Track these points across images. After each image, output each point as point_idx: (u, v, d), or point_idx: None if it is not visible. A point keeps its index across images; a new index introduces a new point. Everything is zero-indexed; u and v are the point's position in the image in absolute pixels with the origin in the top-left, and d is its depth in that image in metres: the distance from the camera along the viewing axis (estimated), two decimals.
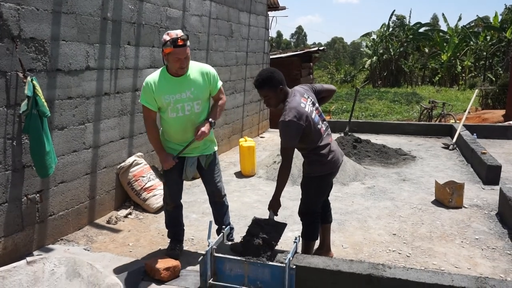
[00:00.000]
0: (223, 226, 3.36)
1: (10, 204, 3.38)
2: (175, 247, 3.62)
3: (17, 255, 3.43)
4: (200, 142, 3.39)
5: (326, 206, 3.56)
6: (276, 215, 3.22)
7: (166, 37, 3.12)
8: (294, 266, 2.82)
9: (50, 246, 3.74)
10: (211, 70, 3.41)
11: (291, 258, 2.84)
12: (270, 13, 9.75)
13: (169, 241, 3.71)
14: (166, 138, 3.42)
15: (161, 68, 3.36)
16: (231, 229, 3.75)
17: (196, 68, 3.35)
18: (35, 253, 3.59)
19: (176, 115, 3.29)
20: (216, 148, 3.59)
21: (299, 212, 3.41)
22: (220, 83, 3.46)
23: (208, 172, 3.51)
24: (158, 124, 3.43)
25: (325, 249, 3.56)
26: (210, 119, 3.34)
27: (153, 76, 3.31)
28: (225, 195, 3.67)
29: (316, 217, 3.35)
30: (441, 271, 2.95)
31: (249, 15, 8.26)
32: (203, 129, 3.27)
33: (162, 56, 3.23)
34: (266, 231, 3.10)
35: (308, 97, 3.20)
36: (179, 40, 3.08)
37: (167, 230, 3.72)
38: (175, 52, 3.11)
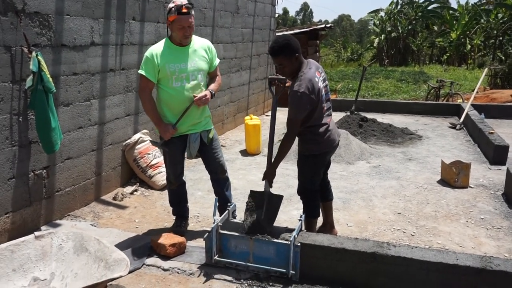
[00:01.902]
0: (228, 203, 3.37)
1: (17, 179, 3.41)
2: (181, 224, 3.65)
3: (25, 230, 3.48)
4: (201, 117, 3.37)
5: (325, 184, 3.55)
6: (271, 186, 3.16)
7: (171, 5, 3.13)
8: (299, 244, 2.85)
9: (58, 221, 3.79)
10: (212, 46, 3.47)
11: (296, 236, 2.86)
12: None
13: (174, 218, 3.73)
14: (166, 110, 3.33)
15: (164, 39, 3.34)
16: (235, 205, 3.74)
17: (198, 42, 3.39)
18: (42, 228, 3.63)
19: (180, 84, 3.25)
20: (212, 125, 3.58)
21: (298, 190, 3.41)
22: (218, 61, 3.50)
23: (209, 148, 3.47)
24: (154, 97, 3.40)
25: (328, 227, 3.57)
26: (210, 89, 3.37)
27: (157, 46, 3.28)
28: (226, 170, 3.63)
29: (315, 195, 3.36)
30: (446, 250, 2.96)
31: None
32: (204, 93, 3.28)
33: (167, 26, 3.24)
34: (264, 207, 3.07)
35: (322, 72, 3.17)
36: (183, 8, 3.09)
37: (171, 208, 3.74)
38: (179, 19, 3.10)
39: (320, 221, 3.53)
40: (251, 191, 3.18)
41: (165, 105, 3.33)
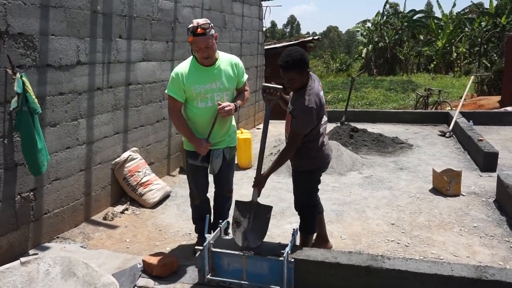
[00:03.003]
0: (220, 221, 3.32)
1: (3, 203, 3.33)
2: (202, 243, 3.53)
3: (12, 254, 3.38)
4: (226, 135, 3.37)
5: None
6: (259, 196, 3.08)
7: (189, 25, 3.11)
8: (293, 260, 2.81)
9: (46, 244, 3.70)
10: (239, 61, 3.43)
11: (289, 252, 2.82)
12: (264, 3, 9.63)
13: (196, 237, 3.66)
14: (192, 128, 3.32)
15: (190, 58, 3.32)
16: (228, 222, 3.70)
17: (225, 59, 3.34)
18: (31, 251, 3.55)
19: (205, 105, 3.24)
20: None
21: (295, 205, 3.36)
22: (246, 76, 3.46)
23: (227, 164, 3.45)
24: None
25: (322, 240, 3.52)
26: (236, 103, 3.30)
27: (183, 67, 3.27)
28: (232, 189, 3.64)
29: (313, 209, 3.31)
30: (440, 261, 2.94)
31: (242, 5, 8.16)
32: (227, 104, 3.19)
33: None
34: (251, 216, 3.00)
35: (320, 85, 3.15)
36: (198, 29, 3.03)
37: (165, 225, 3.68)
38: (195, 41, 3.08)
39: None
40: (237, 202, 3.12)
41: (191, 123, 3.33)
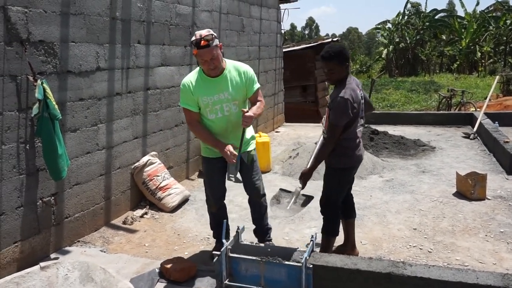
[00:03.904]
0: (238, 226, 3.29)
1: (25, 208, 3.39)
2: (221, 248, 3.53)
3: (34, 258, 3.44)
4: (247, 142, 3.33)
5: (349, 201, 3.51)
6: (303, 188, 3.26)
7: (193, 38, 3.04)
8: (311, 266, 2.75)
9: (67, 248, 3.75)
10: (248, 69, 3.27)
11: (307, 258, 2.77)
12: (282, 6, 9.61)
13: (215, 241, 3.65)
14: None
15: (197, 68, 3.27)
16: (269, 229, 3.61)
17: (233, 67, 3.23)
18: (52, 255, 3.60)
19: (215, 116, 3.21)
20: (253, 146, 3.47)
21: (320, 202, 3.33)
22: (257, 85, 3.29)
23: (248, 169, 3.38)
24: None
25: (349, 247, 3.47)
26: (252, 113, 3.14)
27: (190, 77, 3.22)
28: (264, 195, 3.51)
29: (337, 211, 3.32)
30: (465, 268, 2.84)
31: (260, 9, 8.15)
32: (251, 116, 3.08)
33: None
34: (292, 202, 3.28)
35: (360, 88, 3.22)
36: (202, 41, 2.95)
37: (184, 229, 3.68)
38: (199, 54, 3.02)
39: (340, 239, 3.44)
40: (280, 189, 3.38)
41: None
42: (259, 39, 8.18)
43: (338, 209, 3.31)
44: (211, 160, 3.34)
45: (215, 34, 3.05)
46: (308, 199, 3.25)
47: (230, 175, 3.26)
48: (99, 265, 2.47)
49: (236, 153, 3.16)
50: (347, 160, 3.21)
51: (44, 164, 3.42)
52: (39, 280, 2.42)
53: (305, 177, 3.24)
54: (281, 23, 9.50)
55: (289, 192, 3.35)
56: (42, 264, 2.50)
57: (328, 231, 3.30)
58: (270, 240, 3.62)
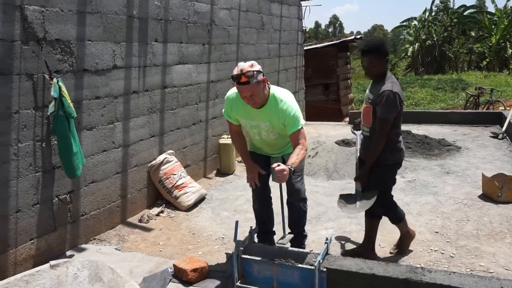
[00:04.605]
0: (251, 226, 3.22)
1: (41, 205, 3.42)
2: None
3: (50, 255, 3.47)
4: (283, 148, 3.24)
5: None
6: (361, 188, 3.24)
7: (233, 71, 2.86)
8: (325, 269, 2.66)
9: (83, 245, 3.77)
10: (288, 110, 2.96)
11: (321, 261, 2.68)
12: (303, 3, 9.48)
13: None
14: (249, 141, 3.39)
15: None
16: (304, 236, 3.47)
17: (275, 101, 2.99)
18: (68, 253, 3.62)
19: (253, 136, 3.22)
20: None
21: (378, 204, 3.19)
22: (298, 125, 2.98)
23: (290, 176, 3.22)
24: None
25: (369, 247, 3.43)
26: (290, 166, 2.83)
27: (233, 94, 3.13)
28: (304, 199, 3.36)
29: (394, 202, 3.39)
30: (488, 276, 2.69)
31: (280, 6, 8.05)
32: (282, 169, 2.75)
33: None
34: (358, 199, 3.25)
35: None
36: (242, 77, 2.78)
37: (199, 228, 3.63)
38: (239, 89, 2.89)
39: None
40: (341, 195, 3.36)
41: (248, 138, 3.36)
42: (279, 37, 8.09)
43: (393, 201, 3.38)
44: (255, 153, 3.33)
45: (257, 69, 2.83)
46: (372, 194, 3.19)
47: (274, 180, 3.09)
48: (108, 264, 2.45)
49: (257, 182, 3.14)
50: (399, 154, 3.24)
51: (60, 162, 3.45)
52: (48, 279, 2.42)
53: (363, 179, 3.24)
54: (303, 20, 9.38)
55: (350, 194, 3.34)
56: (52, 262, 2.51)
57: (396, 219, 3.38)
58: (304, 247, 3.43)
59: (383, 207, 3.31)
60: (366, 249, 3.41)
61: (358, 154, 3.43)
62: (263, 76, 2.89)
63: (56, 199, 3.55)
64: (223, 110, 3.29)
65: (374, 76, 3.15)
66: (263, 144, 3.25)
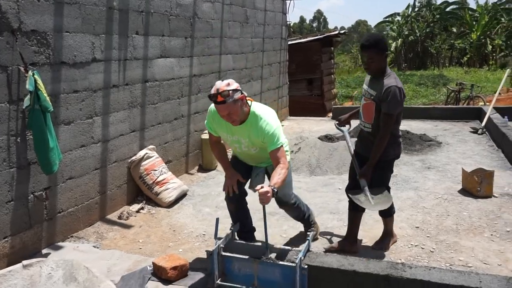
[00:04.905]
0: (232, 223, 3.20)
1: (16, 202, 3.32)
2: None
3: (25, 253, 3.38)
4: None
5: None
6: (367, 184, 3.20)
7: (212, 88, 2.85)
8: (306, 266, 2.65)
9: (60, 243, 3.68)
10: (268, 128, 2.94)
11: (302, 258, 2.67)
12: None
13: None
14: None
15: None
16: (309, 223, 3.59)
17: (254, 119, 2.97)
18: (44, 251, 3.53)
19: (235, 149, 3.23)
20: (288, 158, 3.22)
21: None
22: (278, 144, 2.94)
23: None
24: None
25: (351, 240, 3.45)
26: (273, 187, 2.75)
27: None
28: (286, 202, 3.27)
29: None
30: (467, 271, 2.71)
31: (265, 0, 7.99)
32: (266, 192, 2.66)
33: None
34: (370, 197, 3.19)
35: None
36: (218, 96, 2.77)
37: (179, 225, 3.59)
38: (216, 108, 2.88)
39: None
40: (348, 192, 3.33)
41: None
42: (263, 31, 8.03)
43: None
44: (237, 159, 3.34)
45: (233, 88, 2.81)
46: (380, 190, 3.25)
47: (251, 188, 3.19)
48: (84, 264, 2.39)
49: (236, 189, 3.14)
50: (399, 148, 3.28)
51: (36, 157, 3.35)
52: (21, 279, 2.34)
53: (367, 176, 3.21)
54: (287, 14, 9.33)
55: (357, 191, 3.27)
56: (25, 262, 2.43)
57: (386, 213, 3.39)
58: (310, 230, 3.54)
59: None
60: (348, 242, 3.42)
61: (353, 150, 3.43)
62: (241, 94, 2.87)
63: (32, 195, 3.45)
64: (205, 121, 3.28)
65: (374, 72, 3.15)
66: (245, 156, 3.25)
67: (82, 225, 3.96)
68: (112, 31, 4.22)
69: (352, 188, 3.36)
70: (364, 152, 3.31)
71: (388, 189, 3.36)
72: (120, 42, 4.35)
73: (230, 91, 2.78)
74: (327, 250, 3.40)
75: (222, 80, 2.87)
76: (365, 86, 3.31)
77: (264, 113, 3.01)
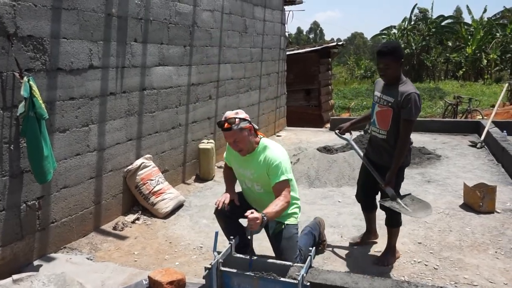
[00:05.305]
0: (231, 237, 3.09)
1: (8, 212, 3.20)
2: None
3: (16, 265, 3.25)
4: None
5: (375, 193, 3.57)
6: (393, 191, 3.22)
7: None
8: (308, 283, 2.55)
9: (52, 255, 3.55)
10: (273, 158, 2.94)
11: (304, 275, 2.57)
12: (287, 7, 9.42)
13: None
14: None
15: None
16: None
17: (263, 151, 3.02)
18: (35, 262, 3.40)
19: (244, 186, 3.24)
20: (292, 221, 3.12)
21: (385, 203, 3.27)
22: (282, 176, 2.91)
23: (274, 237, 3.09)
24: None
25: (373, 233, 3.72)
26: (264, 215, 2.71)
27: None
28: (296, 257, 3.03)
29: None
30: None
31: (264, 10, 7.97)
32: (255, 218, 2.64)
33: None
34: (404, 203, 3.24)
35: None
36: (225, 123, 2.90)
37: (176, 237, 3.49)
38: (224, 135, 3.00)
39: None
40: (380, 202, 3.31)
41: None
42: (262, 41, 8.00)
43: None
44: (243, 195, 3.33)
45: (241, 117, 2.93)
46: (409, 196, 3.36)
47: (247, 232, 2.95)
48: (77, 279, 2.27)
49: (226, 206, 3.10)
50: (410, 155, 3.33)
51: (30, 166, 3.24)
52: None
53: (392, 183, 3.22)
54: (286, 25, 9.32)
55: (386, 199, 3.27)
56: (15, 276, 2.32)
57: (393, 223, 3.38)
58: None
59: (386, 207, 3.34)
60: (370, 236, 3.73)
61: (366, 157, 3.45)
62: (249, 124, 2.97)
63: (24, 205, 3.33)
64: (224, 153, 3.36)
65: (390, 78, 3.18)
66: (249, 195, 3.25)
67: (75, 235, 3.84)
68: (110, 38, 4.15)
69: (362, 195, 3.58)
70: (378, 159, 3.34)
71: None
72: (118, 49, 4.27)
73: (237, 119, 2.90)
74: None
75: (232, 110, 3.02)
76: (377, 93, 3.31)
77: (273, 145, 3.08)
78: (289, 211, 3.13)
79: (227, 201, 3.12)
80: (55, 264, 3.39)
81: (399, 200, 3.19)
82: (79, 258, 3.52)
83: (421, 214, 3.22)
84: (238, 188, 3.34)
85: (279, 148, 3.08)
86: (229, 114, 2.96)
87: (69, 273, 3.15)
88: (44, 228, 3.52)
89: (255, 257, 2.81)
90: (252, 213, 2.66)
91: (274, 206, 2.83)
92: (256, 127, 3.08)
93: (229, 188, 3.28)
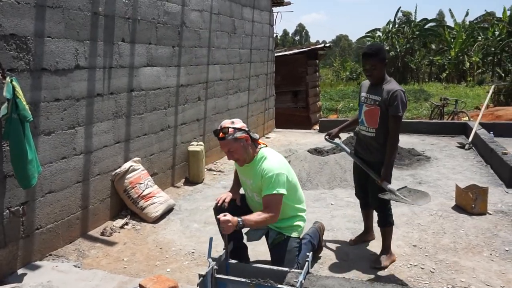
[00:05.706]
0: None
1: None
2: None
3: None
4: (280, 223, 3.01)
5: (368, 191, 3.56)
6: (390, 186, 3.23)
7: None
8: None
9: (37, 263, 3.41)
10: (268, 169, 2.85)
11: (302, 281, 2.49)
12: (275, 9, 9.38)
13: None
14: None
15: None
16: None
17: (261, 158, 2.96)
18: (19, 271, 3.25)
19: (245, 191, 3.21)
20: (294, 235, 3.05)
21: (376, 201, 3.32)
22: (274, 189, 2.81)
23: (273, 247, 3.03)
24: None
25: (369, 233, 3.77)
26: (240, 220, 2.71)
27: None
28: (289, 268, 2.80)
29: (389, 203, 3.41)
30: None
31: (252, 11, 7.90)
32: (227, 220, 2.65)
33: None
34: (404, 194, 3.23)
35: None
36: (220, 133, 2.87)
37: (166, 242, 3.38)
38: (220, 144, 2.95)
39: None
40: (380, 196, 3.25)
41: None
42: (251, 42, 7.93)
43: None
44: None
45: (236, 127, 2.88)
46: (406, 188, 3.36)
47: (248, 238, 3.05)
48: None
49: (225, 204, 3.03)
50: (397, 151, 3.43)
51: (12, 170, 3.09)
52: None
53: (388, 178, 3.27)
54: (274, 26, 9.27)
55: (386, 192, 3.23)
56: None
57: (386, 223, 3.39)
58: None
59: (384, 203, 3.36)
60: (368, 235, 3.77)
61: (357, 157, 3.49)
62: (245, 134, 2.90)
63: (7, 211, 3.18)
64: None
65: (376, 79, 3.27)
66: (250, 204, 3.18)
67: (62, 242, 3.69)
68: (97, 37, 4.02)
69: (360, 193, 3.65)
70: (369, 157, 3.38)
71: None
72: (105, 49, 4.14)
73: (232, 129, 2.86)
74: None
75: (229, 119, 3.01)
76: (364, 94, 3.39)
77: (272, 155, 2.98)
78: (293, 224, 3.07)
79: (227, 200, 3.06)
80: (41, 272, 3.24)
81: (397, 193, 3.20)
82: (65, 265, 3.38)
83: (421, 202, 3.23)
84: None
85: (277, 159, 2.96)
86: (225, 123, 2.92)
87: (56, 281, 3.04)
88: (28, 235, 3.37)
89: (234, 261, 2.82)
90: (225, 215, 2.66)
91: (256, 216, 2.81)
92: (256, 136, 2.99)
93: (234, 187, 3.25)
